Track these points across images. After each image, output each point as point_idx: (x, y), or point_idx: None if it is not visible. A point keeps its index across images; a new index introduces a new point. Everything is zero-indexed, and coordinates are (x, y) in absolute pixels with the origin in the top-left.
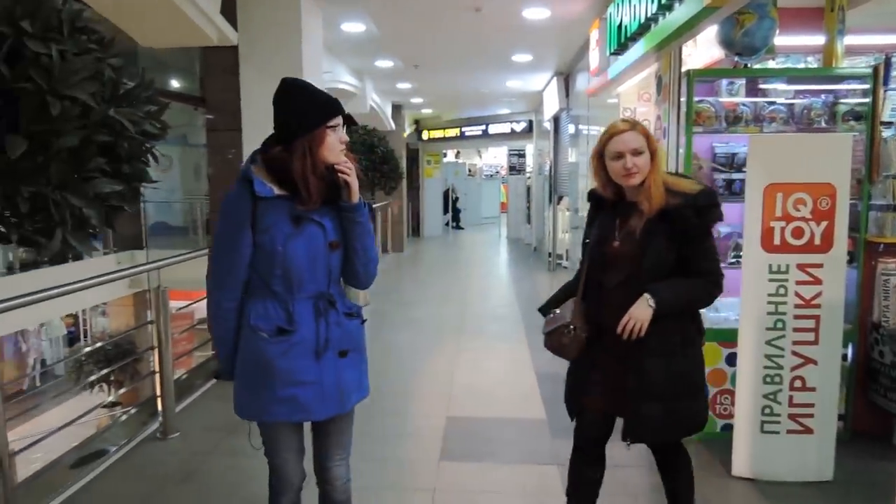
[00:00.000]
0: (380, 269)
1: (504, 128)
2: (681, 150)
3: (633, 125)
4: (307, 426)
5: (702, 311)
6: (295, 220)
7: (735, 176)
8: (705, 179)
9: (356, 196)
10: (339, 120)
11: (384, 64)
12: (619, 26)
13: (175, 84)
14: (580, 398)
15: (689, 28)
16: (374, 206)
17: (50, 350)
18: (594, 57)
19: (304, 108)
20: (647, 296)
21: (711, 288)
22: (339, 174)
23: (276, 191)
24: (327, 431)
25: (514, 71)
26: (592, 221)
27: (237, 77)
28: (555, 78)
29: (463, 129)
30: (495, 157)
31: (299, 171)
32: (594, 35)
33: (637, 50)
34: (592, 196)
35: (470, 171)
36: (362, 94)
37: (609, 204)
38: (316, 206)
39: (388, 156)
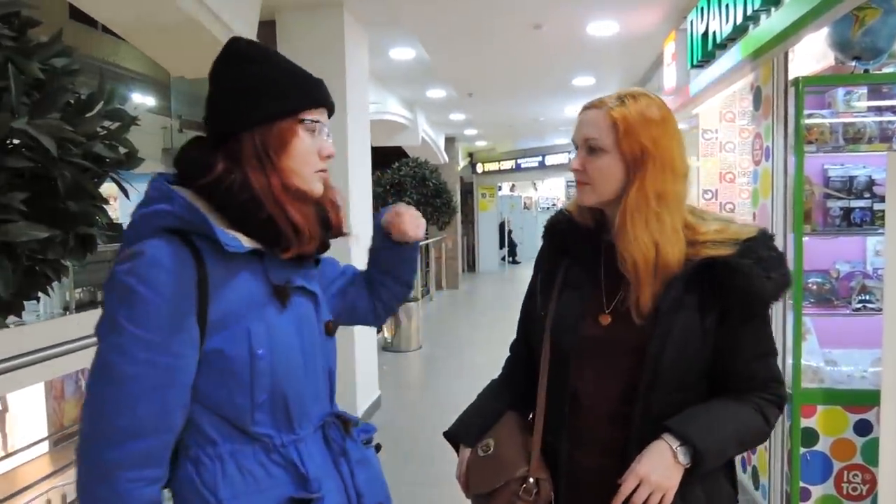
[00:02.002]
0: (433, 308)
1: (562, 158)
2: (789, 174)
3: (614, 101)
4: None
5: (813, 364)
6: (278, 293)
7: (854, 203)
8: (818, 208)
9: (420, 232)
10: (321, 114)
11: (436, 94)
12: (706, 33)
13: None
14: None
15: (804, 25)
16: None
17: None
18: (669, 73)
19: (262, 80)
20: (670, 441)
21: (771, 412)
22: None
23: (247, 243)
24: None
25: (574, 96)
26: (552, 274)
27: None
28: None
29: (518, 161)
30: (551, 189)
31: (264, 188)
32: (669, 49)
33: (730, 58)
34: (554, 229)
35: (525, 203)
36: (413, 126)
37: (586, 240)
38: (313, 246)
39: (440, 189)
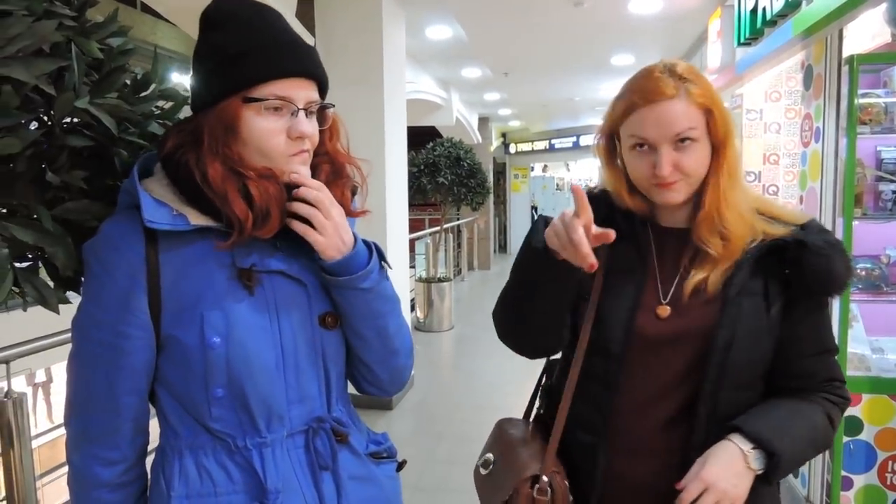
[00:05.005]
0: (465, 288)
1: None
2: (840, 157)
3: (681, 84)
4: None
5: (859, 352)
6: (242, 276)
7: None
8: (869, 191)
9: (331, 249)
10: (292, 87)
11: (471, 73)
12: (755, 9)
13: None
14: None
15: (863, 0)
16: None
17: None
18: (714, 52)
19: (213, 51)
20: (740, 443)
21: (836, 414)
22: (291, 213)
23: (195, 220)
24: None
25: (612, 75)
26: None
27: None
28: None
29: (552, 142)
30: (584, 170)
31: (202, 173)
32: (714, 26)
33: (780, 36)
34: (595, 202)
35: (558, 185)
36: (448, 105)
37: (635, 222)
38: (269, 232)
39: (474, 169)
